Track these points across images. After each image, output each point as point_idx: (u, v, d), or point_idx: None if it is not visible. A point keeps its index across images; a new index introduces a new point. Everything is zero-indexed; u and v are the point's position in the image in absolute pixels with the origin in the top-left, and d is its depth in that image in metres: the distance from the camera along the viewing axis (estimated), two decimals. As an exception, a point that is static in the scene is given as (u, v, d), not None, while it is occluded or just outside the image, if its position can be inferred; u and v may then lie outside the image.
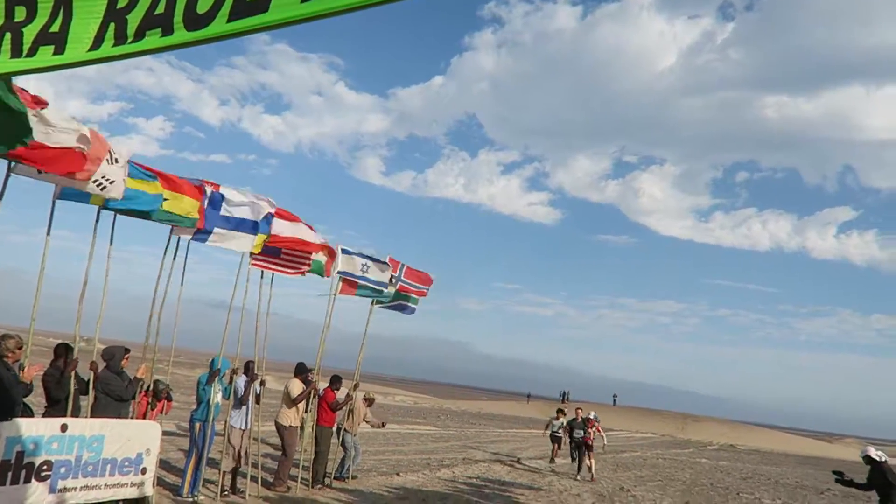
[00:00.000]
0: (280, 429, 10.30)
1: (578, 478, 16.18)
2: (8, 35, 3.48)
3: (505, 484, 14.15)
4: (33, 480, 6.47)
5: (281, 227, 9.24)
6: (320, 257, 10.18)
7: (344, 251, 10.80)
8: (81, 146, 5.86)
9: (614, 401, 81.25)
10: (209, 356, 8.98)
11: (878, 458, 9.50)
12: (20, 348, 6.69)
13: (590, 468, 16.41)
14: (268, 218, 8.91)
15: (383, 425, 13.46)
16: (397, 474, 13.22)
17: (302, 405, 10.41)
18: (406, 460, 15.80)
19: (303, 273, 9.81)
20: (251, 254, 9.06)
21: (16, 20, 3.42)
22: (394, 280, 12.10)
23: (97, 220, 7.27)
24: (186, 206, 7.76)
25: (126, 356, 8.00)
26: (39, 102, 5.56)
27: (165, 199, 7.49)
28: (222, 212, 8.45)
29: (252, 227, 8.72)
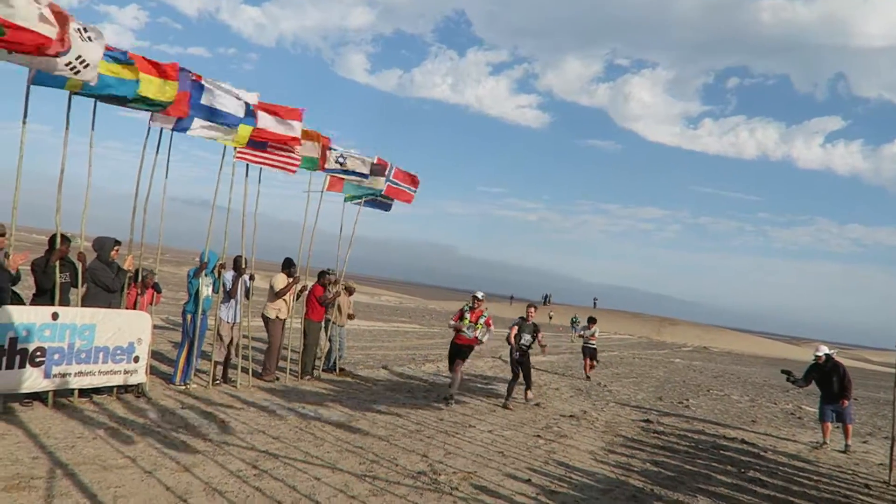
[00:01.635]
0: (265, 321, 10.50)
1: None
2: None
3: (487, 378, 14.67)
4: (28, 366, 6.59)
5: (266, 122, 8.99)
6: (313, 151, 9.97)
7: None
8: (46, 24, 5.53)
9: (594, 304, 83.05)
10: (194, 254, 8.99)
11: (833, 355, 10.72)
12: (3, 235, 6.63)
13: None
14: (251, 111, 8.64)
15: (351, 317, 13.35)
16: (384, 367, 13.61)
17: (289, 299, 10.54)
18: (392, 355, 16.25)
19: (292, 170, 9.64)
20: (235, 147, 8.87)
21: None
22: (383, 176, 11.96)
23: (68, 107, 7.00)
24: (163, 89, 7.41)
25: (116, 247, 7.97)
26: None
27: (142, 82, 7.19)
28: (203, 101, 8.16)
29: (234, 120, 8.45)
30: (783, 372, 11.71)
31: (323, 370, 11.78)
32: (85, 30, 6.09)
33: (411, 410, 9.52)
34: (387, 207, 13.22)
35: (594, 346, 17.45)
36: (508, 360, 11.65)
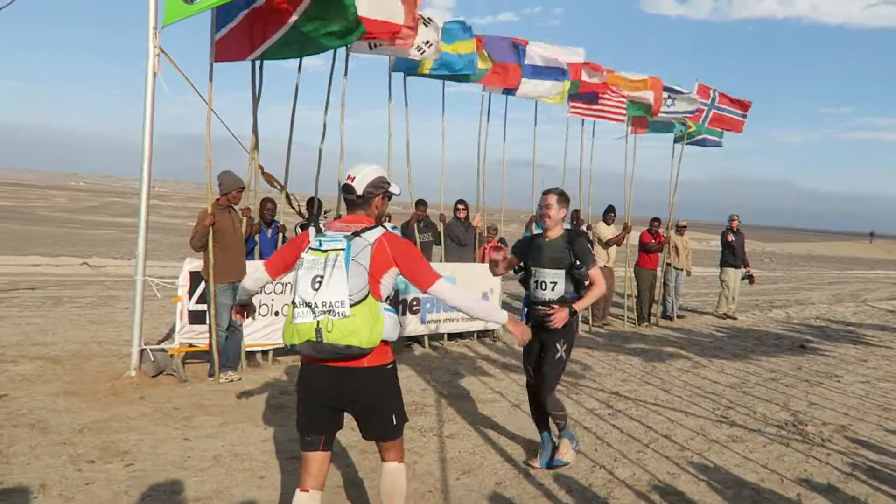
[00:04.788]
0: (595, 269, 10.75)
1: None
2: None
3: (851, 325, 12.90)
4: (409, 314, 7.80)
5: (589, 76, 9.21)
6: (646, 94, 9.88)
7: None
8: (400, 13, 6.36)
9: None
10: (521, 212, 9.66)
11: None
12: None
13: None
14: (568, 69, 8.91)
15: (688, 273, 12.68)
16: (725, 314, 12.85)
17: (613, 247, 10.62)
18: (731, 302, 15.27)
19: (621, 119, 9.72)
20: (569, 102, 9.28)
21: None
22: (707, 109, 11.29)
23: (404, 88, 7.95)
24: (484, 58, 8.12)
25: (458, 206, 8.98)
26: None
27: (478, 55, 7.92)
28: (526, 61, 8.64)
29: (559, 73, 8.79)
30: None
31: (661, 317, 11.63)
32: (422, 16, 6.89)
33: (762, 358, 8.89)
34: (717, 144, 12.45)
35: None
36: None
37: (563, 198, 4.39)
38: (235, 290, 6.21)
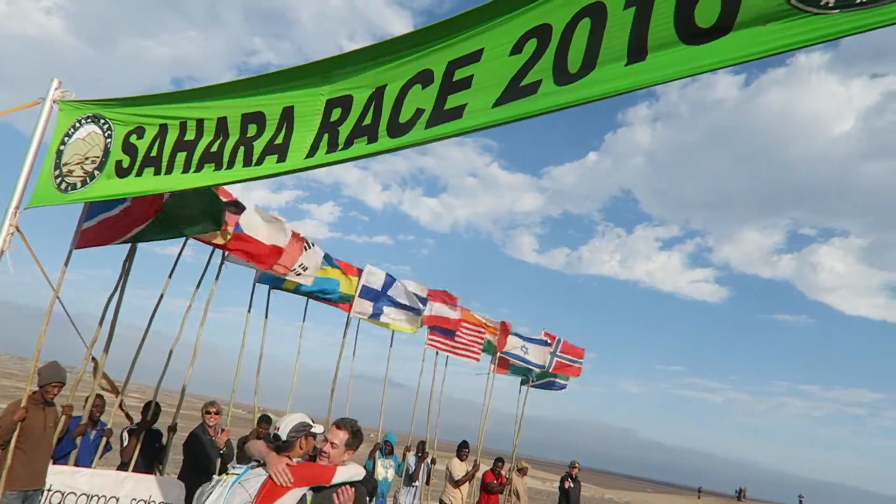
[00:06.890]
0: (444, 508, 10.39)
1: None
2: (242, 148, 4.13)
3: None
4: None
5: (438, 309, 9.72)
6: (491, 339, 10.51)
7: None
8: (284, 238, 6.64)
9: (800, 502, 72.12)
10: (371, 430, 9.45)
11: None
12: (218, 413, 7.44)
13: None
14: (424, 300, 9.45)
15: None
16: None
17: (466, 485, 10.44)
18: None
19: (476, 358, 10.18)
20: (428, 335, 9.63)
21: (248, 135, 4.07)
22: (550, 357, 12.11)
23: (268, 299, 8.01)
24: (350, 283, 8.53)
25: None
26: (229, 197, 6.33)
27: (341, 281, 8.29)
28: (390, 292, 9.05)
29: (416, 308, 9.26)
30: None
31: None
32: (307, 243, 7.19)
33: None
34: (560, 387, 13.17)
35: None
36: None
37: (356, 439, 3.44)
38: (27, 499, 5.39)
